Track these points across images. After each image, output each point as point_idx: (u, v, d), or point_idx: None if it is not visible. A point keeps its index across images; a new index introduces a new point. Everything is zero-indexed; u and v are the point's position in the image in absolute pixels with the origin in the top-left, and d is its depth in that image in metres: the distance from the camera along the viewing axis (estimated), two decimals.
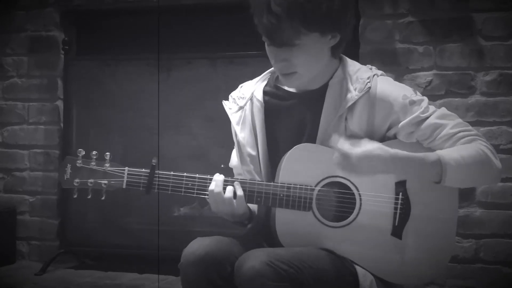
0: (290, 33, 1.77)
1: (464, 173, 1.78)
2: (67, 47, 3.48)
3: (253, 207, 1.96)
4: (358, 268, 1.81)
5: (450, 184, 1.79)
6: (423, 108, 1.85)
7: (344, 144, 1.76)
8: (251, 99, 1.98)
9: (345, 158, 1.74)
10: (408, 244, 1.85)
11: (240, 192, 1.84)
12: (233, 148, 2.03)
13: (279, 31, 1.77)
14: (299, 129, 1.91)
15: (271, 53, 1.85)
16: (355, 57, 2.97)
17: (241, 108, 1.98)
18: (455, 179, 1.78)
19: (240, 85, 2.05)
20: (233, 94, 2.03)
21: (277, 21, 1.76)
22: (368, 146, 1.76)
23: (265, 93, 1.98)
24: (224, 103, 2.03)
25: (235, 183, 1.85)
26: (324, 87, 1.90)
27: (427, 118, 1.84)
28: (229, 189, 1.84)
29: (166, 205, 3.39)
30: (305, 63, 1.83)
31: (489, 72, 2.99)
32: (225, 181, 1.85)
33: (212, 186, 1.85)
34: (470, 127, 1.86)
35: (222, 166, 2.10)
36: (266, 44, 1.85)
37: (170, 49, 3.39)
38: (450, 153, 1.78)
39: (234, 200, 1.83)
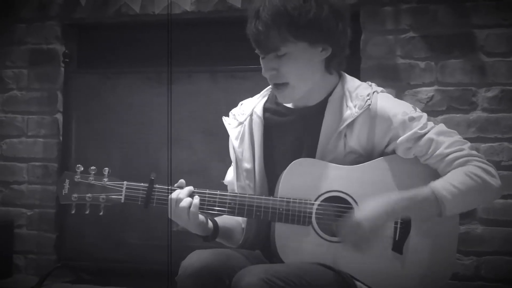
0: (276, 40, 1.78)
1: (462, 202, 1.80)
2: (67, 60, 3.47)
3: (237, 224, 1.94)
4: (358, 284, 1.79)
5: (450, 214, 1.79)
6: (421, 124, 1.84)
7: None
8: (251, 115, 1.97)
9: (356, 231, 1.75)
10: (409, 259, 1.83)
11: (196, 201, 1.81)
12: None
13: (265, 37, 1.79)
14: (298, 145, 1.91)
15: (262, 63, 1.87)
16: (356, 72, 2.99)
17: (240, 123, 1.98)
18: (454, 210, 1.80)
19: (241, 103, 2.04)
20: (234, 111, 2.03)
21: (264, 27, 1.78)
22: (371, 208, 1.76)
23: (265, 109, 1.98)
24: (224, 119, 2.03)
25: (195, 195, 1.83)
26: (323, 104, 1.90)
27: (425, 134, 1.83)
28: (187, 200, 1.82)
29: (165, 220, 3.36)
30: (295, 73, 1.83)
31: (491, 88, 2.98)
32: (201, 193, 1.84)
33: (174, 194, 1.83)
34: (465, 147, 1.84)
35: (223, 181, 2.09)
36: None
37: (171, 62, 3.38)
38: (444, 185, 1.77)
39: (189, 210, 1.81)
